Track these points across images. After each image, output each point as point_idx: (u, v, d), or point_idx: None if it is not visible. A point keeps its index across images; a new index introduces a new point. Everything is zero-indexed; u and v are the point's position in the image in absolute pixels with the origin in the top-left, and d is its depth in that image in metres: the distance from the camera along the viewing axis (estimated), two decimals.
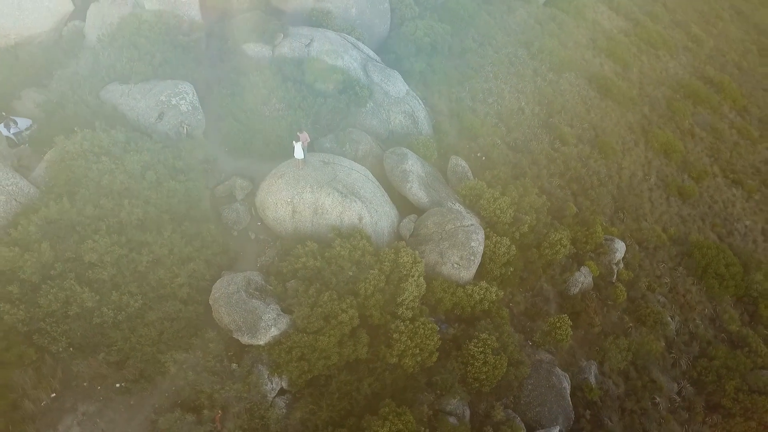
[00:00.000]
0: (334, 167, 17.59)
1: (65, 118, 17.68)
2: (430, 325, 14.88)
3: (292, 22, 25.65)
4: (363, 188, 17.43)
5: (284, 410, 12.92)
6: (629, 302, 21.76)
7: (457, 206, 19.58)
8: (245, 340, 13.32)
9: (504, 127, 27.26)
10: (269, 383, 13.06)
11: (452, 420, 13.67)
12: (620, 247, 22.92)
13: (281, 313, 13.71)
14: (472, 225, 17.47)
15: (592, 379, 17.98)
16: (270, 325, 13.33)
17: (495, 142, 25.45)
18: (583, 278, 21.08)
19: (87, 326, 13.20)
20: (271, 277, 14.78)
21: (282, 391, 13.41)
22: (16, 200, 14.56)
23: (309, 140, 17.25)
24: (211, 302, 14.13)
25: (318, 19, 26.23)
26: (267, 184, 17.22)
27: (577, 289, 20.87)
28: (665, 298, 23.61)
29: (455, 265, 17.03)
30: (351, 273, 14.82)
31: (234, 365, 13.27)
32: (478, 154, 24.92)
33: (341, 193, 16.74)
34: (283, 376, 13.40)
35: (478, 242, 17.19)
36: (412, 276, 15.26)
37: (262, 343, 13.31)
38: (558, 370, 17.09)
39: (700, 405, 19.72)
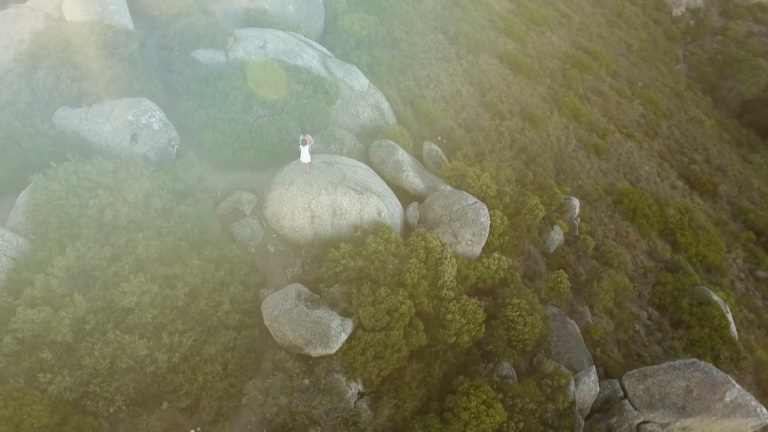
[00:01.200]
0: (339, 167, 17.45)
1: (23, 154, 15.27)
2: (473, 300, 15.70)
3: (228, 22, 24.43)
4: (372, 183, 17.57)
5: (369, 411, 12.91)
6: (595, 250, 24.60)
7: (448, 188, 20.53)
8: (318, 352, 12.98)
9: (451, 110, 28.72)
10: (349, 389, 12.92)
11: (511, 382, 14.73)
12: (576, 204, 25.67)
13: (343, 317, 13.55)
14: (476, 203, 18.50)
15: (592, 321, 20.23)
16: (340, 332, 13.13)
17: (450, 125, 26.75)
18: (557, 236, 23.36)
19: (140, 377, 11.87)
20: (321, 284, 14.43)
21: (360, 394, 13.34)
22: (6, 256, 12.43)
23: (313, 142, 16.90)
24: (268, 323, 13.45)
25: (255, 20, 25.24)
26: (278, 193, 16.57)
27: (555, 247, 23.12)
28: (614, 241, 27.01)
29: (468, 242, 17.98)
30: (392, 266, 15.04)
31: (306, 380, 12.88)
32: (439, 138, 26.06)
33: (356, 190, 16.73)
34: (358, 379, 13.33)
35: (486, 217, 18.30)
36: (446, 258, 15.91)
37: (333, 351, 13.07)
38: (568, 319, 18.97)
39: (667, 324, 23.15)
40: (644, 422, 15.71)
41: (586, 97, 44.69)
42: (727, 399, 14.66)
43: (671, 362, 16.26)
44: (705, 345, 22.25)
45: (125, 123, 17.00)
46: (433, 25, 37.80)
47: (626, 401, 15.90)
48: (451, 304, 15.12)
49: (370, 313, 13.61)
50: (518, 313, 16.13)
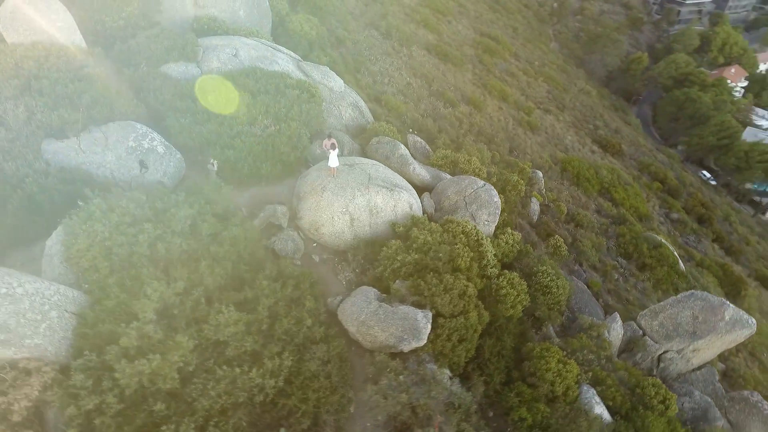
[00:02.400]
0: (361, 167, 17.55)
1: (27, 198, 13.35)
2: (514, 274, 16.89)
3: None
4: (395, 178, 17.93)
5: (465, 392, 13.49)
6: (566, 215, 27.23)
7: (447, 175, 21.51)
8: (411, 346, 13.24)
9: (411, 102, 29.68)
10: (444, 375, 13.39)
11: (568, 339, 16.24)
12: (540, 176, 28.11)
13: (423, 310, 13.94)
14: (485, 185, 19.69)
15: (588, 276, 22.60)
16: (426, 323, 13.49)
17: (417, 117, 27.71)
18: (535, 207, 25.51)
19: (251, 409, 11.27)
20: (405, 284, 14.60)
21: (450, 378, 13.85)
22: (67, 312, 10.97)
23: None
24: (354, 328, 13.38)
25: (207, 27, 23.95)
26: (312, 201, 16.27)
27: (536, 216, 25.24)
28: (573, 204, 30.07)
29: (485, 222, 19.14)
30: (443, 254, 15.66)
31: (401, 377, 13.12)
32: (410, 130, 26.89)
33: (386, 187, 17.02)
34: (446, 365, 13.86)
35: (497, 197, 19.56)
36: (482, 239, 16.90)
37: (423, 343, 13.44)
38: (574, 277, 21.04)
39: (635, 269, 26.51)
40: (664, 352, 18.18)
41: (503, 79, 48.08)
42: (727, 317, 17.54)
43: (674, 297, 18.92)
44: (667, 281, 25.89)
45: (128, 150, 15.52)
46: (363, 21, 38.38)
47: (646, 338, 18.23)
48: (500, 279, 16.17)
49: (447, 300, 14.16)
50: (549, 278, 17.65)
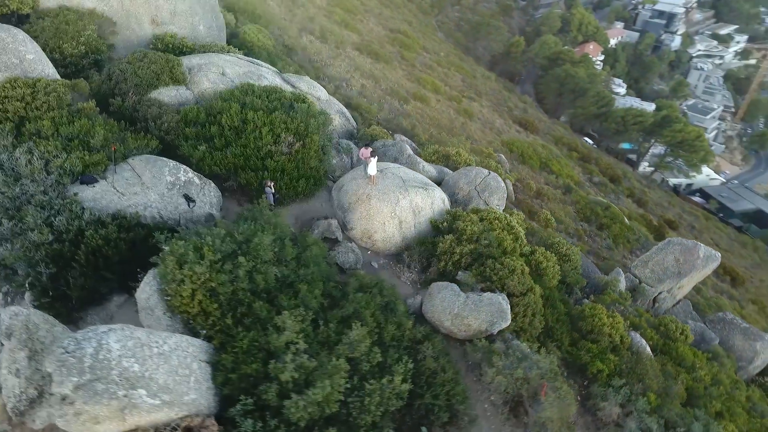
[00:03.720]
0: (391, 170, 18.16)
1: (95, 251, 12.12)
2: (542, 248, 18.73)
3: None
4: (422, 178, 18.82)
5: (547, 359, 14.97)
6: (534, 191, 30.02)
7: (446, 169, 22.81)
8: (501, 327, 14.38)
9: (375, 103, 30.38)
10: (528, 349, 14.75)
11: (593, 299, 18.54)
12: (504, 159, 30.60)
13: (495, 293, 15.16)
14: (489, 173, 21.31)
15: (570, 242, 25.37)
16: (506, 304, 14.67)
17: (388, 117, 28.57)
18: (511, 187, 27.85)
19: (393, 415, 11.66)
20: (468, 274, 15.53)
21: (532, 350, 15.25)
22: (200, 361, 10.38)
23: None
24: (448, 322, 14.11)
25: (172, 46, 22.60)
26: (362, 211, 16.58)
27: (513, 196, 27.58)
28: (529, 180, 33.09)
29: (497, 207, 20.82)
30: (490, 241, 16.98)
31: (509, 356, 14.23)
32: (385, 130, 27.69)
33: (421, 187, 17.87)
34: (526, 339, 15.24)
35: (502, 183, 21.30)
36: (511, 222, 18.51)
37: (509, 322, 14.69)
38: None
39: (595, 230, 30.10)
40: (658, 294, 21.38)
41: (426, 72, 50.41)
42: (702, 255, 21.12)
43: (656, 246, 22.22)
44: (622, 236, 29.88)
45: (168, 185, 14.62)
46: (296, 27, 38.18)
47: (643, 284, 21.28)
48: (537, 255, 17.90)
49: (516, 280, 15.50)
50: (565, 247, 19.83)
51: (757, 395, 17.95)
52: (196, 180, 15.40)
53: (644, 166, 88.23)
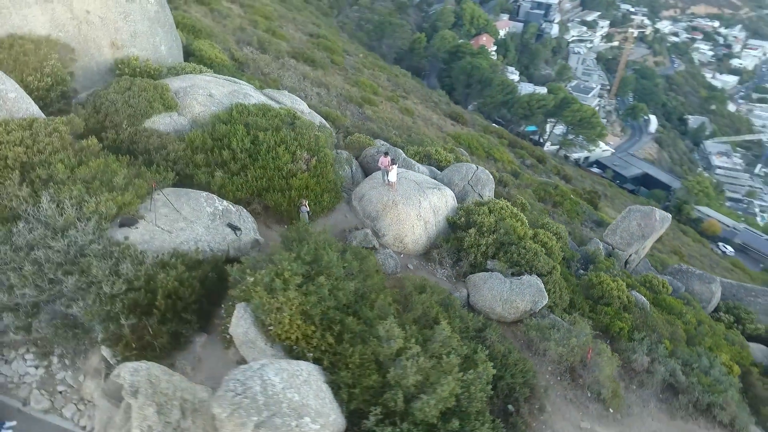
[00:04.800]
0: (405, 175, 18.99)
1: (174, 292, 11.60)
2: (540, 230, 20.68)
3: (90, 83, 20.29)
4: (429, 178, 19.86)
5: (586, 326, 16.74)
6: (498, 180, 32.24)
7: (434, 168, 24.06)
8: (542, 305, 15.92)
9: (338, 109, 30.73)
10: (564, 321, 16.51)
11: (591, 268, 20.90)
12: (464, 152, 32.53)
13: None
14: (477, 168, 22.91)
15: None
16: (541, 283, 16.35)
17: (357, 122, 29.11)
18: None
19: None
20: (496, 262, 16.80)
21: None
22: (323, 381, 10.56)
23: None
24: (500, 307, 15.33)
25: (140, 70, 21.38)
26: (392, 217, 17.21)
27: None
28: None
29: (488, 197, 22.54)
30: (504, 230, 18.53)
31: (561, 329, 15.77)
32: (366, 137, 28.26)
33: (434, 188, 18.92)
34: (559, 311, 17.01)
35: (489, 175, 23.02)
36: (515, 210, 20.22)
37: (547, 300, 16.30)
38: None
39: (551, 207, 33.16)
40: (629, 256, 24.43)
41: (358, 75, 51.34)
42: (658, 217, 24.46)
43: (620, 215, 25.25)
44: (572, 210, 33.25)
45: (210, 216, 14.26)
46: (232, 39, 37.32)
47: (617, 250, 24.21)
48: (542, 236, 19.77)
49: (542, 262, 17.18)
50: (555, 227, 22.02)
51: (722, 328, 21.46)
52: (232, 208, 15.12)
53: (548, 146, 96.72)
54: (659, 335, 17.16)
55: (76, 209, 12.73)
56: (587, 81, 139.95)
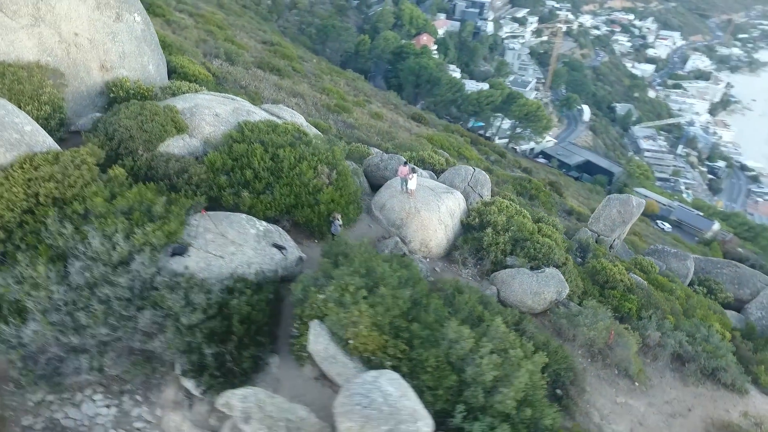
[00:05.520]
0: (418, 182, 19.71)
1: (247, 317, 11.71)
2: (542, 224, 22.10)
3: (79, 108, 19.71)
4: (439, 183, 20.73)
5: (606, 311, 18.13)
6: None
7: (431, 172, 24.96)
8: (565, 294, 17.25)
9: (322, 118, 30.90)
10: (582, 307, 17.90)
11: (590, 255, 22.60)
12: (444, 153, 33.64)
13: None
14: (475, 170, 24.04)
15: None
16: (561, 274, 17.66)
17: (342, 131, 29.46)
18: None
19: None
20: (516, 258, 17.89)
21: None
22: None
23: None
24: (531, 300, 16.43)
25: (133, 93, 20.79)
26: (416, 224, 17.88)
27: None
28: None
29: (487, 197, 23.77)
30: (515, 227, 19.73)
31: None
32: (364, 146, 28.66)
33: (448, 192, 19.81)
34: (575, 299, 18.38)
35: (486, 175, 24.22)
36: (519, 208, 21.51)
37: (568, 289, 17.61)
38: None
39: (528, 199, 35.00)
40: (613, 241, 26.49)
41: (320, 81, 51.45)
42: (635, 203, 26.65)
43: (601, 204, 27.24)
44: (547, 201, 35.29)
45: (256, 237, 14.37)
46: (199, 51, 36.65)
47: (602, 237, 26.17)
48: (546, 230, 21.18)
49: (558, 254, 18.49)
50: (551, 219, 23.57)
51: (706, 300, 23.87)
52: (271, 227, 15.26)
53: (496, 140, 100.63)
54: (662, 312, 18.96)
55: (130, 243, 12.49)
56: (524, 75, 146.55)
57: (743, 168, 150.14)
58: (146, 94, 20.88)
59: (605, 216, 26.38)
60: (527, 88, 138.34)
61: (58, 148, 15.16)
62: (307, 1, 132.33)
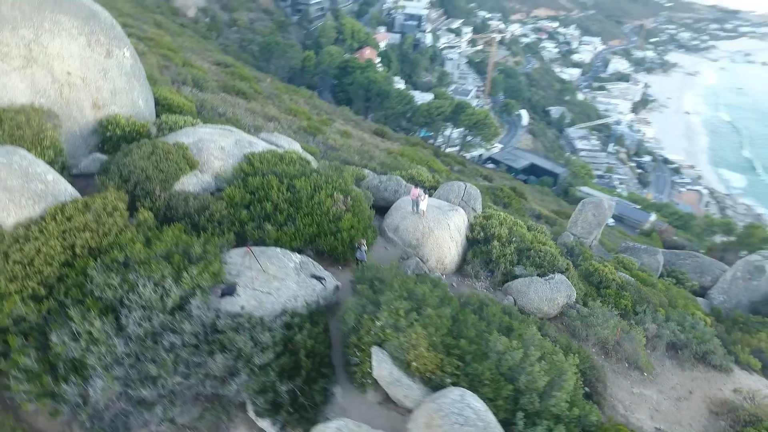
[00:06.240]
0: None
1: (307, 354, 11.98)
2: (533, 232, 23.58)
3: (73, 148, 19.28)
4: (442, 202, 21.71)
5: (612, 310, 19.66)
6: None
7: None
8: (574, 296, 18.62)
9: (303, 141, 31.10)
10: (586, 308, 19.37)
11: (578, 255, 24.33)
12: (424, 168, 34.78)
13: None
14: (466, 185, 25.21)
15: None
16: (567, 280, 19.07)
17: (327, 153, 29.84)
18: None
19: None
20: (523, 267, 19.09)
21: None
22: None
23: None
24: (547, 306, 17.64)
25: (129, 131, 20.37)
26: (432, 243, 18.67)
27: None
28: None
29: (480, 210, 25.05)
30: (517, 238, 21.05)
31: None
32: (358, 168, 29.05)
33: (452, 209, 20.80)
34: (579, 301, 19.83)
35: (477, 190, 25.50)
36: (516, 221, 22.89)
37: (575, 294, 19.02)
38: None
39: (502, 207, 36.82)
40: (591, 243, 28.54)
41: (280, 101, 51.53)
42: (606, 206, 28.87)
43: (576, 209, 29.25)
44: (519, 207, 37.29)
45: (295, 270, 14.65)
46: (168, 78, 36.02)
47: (581, 239, 28.15)
48: (540, 237, 22.66)
49: (562, 262, 19.92)
50: (538, 227, 25.17)
51: (681, 290, 26.30)
52: (305, 259, 15.56)
53: (445, 148, 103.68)
54: (653, 305, 20.85)
55: (180, 288, 12.47)
56: (464, 84, 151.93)
57: (666, 161, 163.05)
58: (142, 131, 20.49)
59: (582, 219, 28.40)
60: (469, 96, 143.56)
61: (80, 195, 14.76)
62: (247, 19, 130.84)
